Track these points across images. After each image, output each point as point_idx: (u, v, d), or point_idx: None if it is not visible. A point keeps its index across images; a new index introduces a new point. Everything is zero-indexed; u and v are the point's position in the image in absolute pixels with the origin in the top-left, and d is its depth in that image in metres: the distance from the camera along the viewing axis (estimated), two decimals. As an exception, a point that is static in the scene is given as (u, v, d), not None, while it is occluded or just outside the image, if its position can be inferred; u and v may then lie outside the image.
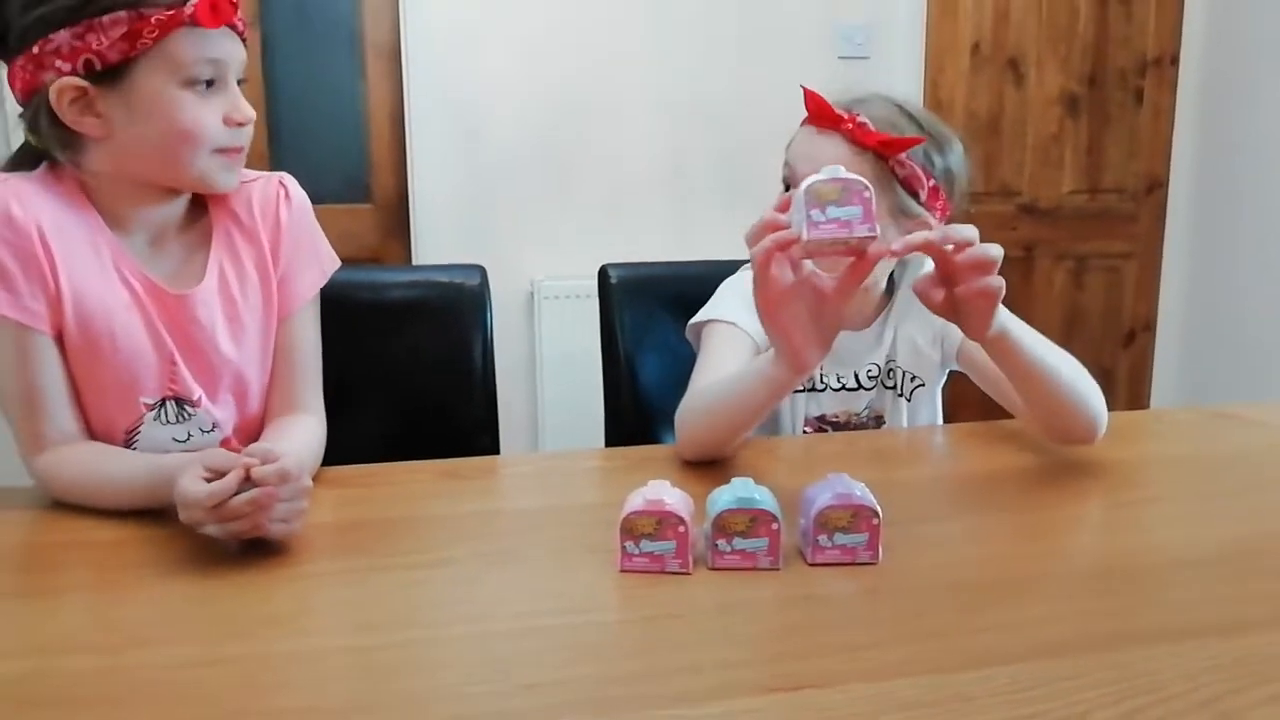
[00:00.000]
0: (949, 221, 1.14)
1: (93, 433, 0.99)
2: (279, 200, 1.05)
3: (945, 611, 0.74)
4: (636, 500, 0.79)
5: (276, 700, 0.62)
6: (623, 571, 0.78)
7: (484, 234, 2.65)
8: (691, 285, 1.28)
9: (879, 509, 0.80)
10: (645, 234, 2.73)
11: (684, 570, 0.78)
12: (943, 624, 0.72)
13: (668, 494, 0.79)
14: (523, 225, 2.70)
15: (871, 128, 1.08)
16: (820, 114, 1.09)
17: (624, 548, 0.78)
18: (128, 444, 1.00)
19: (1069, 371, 1.02)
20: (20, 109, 0.93)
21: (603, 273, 1.48)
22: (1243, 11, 2.93)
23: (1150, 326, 3.22)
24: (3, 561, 0.83)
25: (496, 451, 1.36)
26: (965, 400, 1.34)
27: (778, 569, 0.79)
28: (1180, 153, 3.11)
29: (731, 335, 1.18)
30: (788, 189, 1.13)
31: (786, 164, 1.15)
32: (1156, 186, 3.14)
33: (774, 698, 0.61)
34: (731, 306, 1.20)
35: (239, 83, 0.96)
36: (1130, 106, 3.07)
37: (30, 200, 0.92)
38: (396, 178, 2.69)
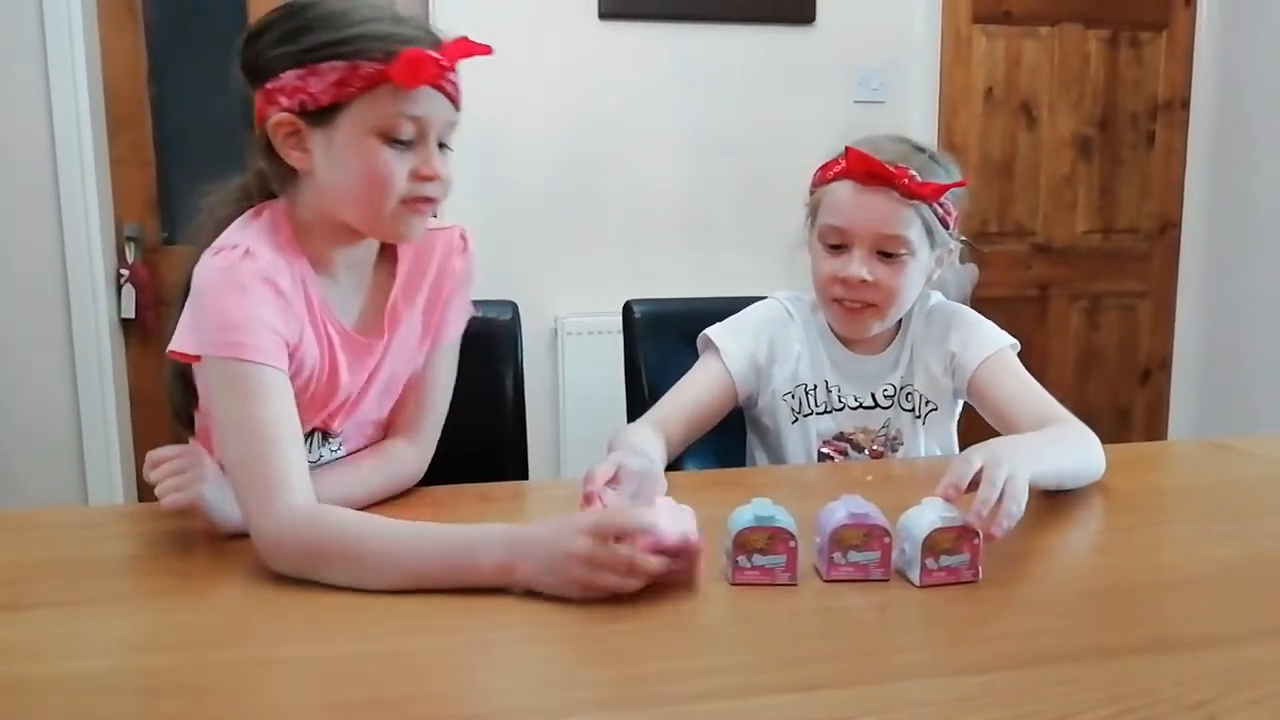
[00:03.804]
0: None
1: None
2: (457, 252, 1.14)
3: (952, 623, 0.79)
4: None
5: (322, 696, 0.68)
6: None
7: (508, 272, 2.72)
8: (711, 320, 1.34)
9: (890, 528, 0.85)
10: (666, 271, 2.80)
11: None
12: (949, 634, 0.78)
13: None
14: (546, 264, 2.77)
15: (919, 178, 1.16)
16: (873, 173, 1.16)
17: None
18: None
19: (1083, 467, 1.08)
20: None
21: (627, 308, 1.54)
22: (1252, 57, 2.99)
23: (1165, 364, 3.25)
24: (65, 573, 0.89)
25: (525, 476, 1.41)
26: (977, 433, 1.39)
27: (795, 584, 0.84)
28: (1192, 194, 3.16)
29: (712, 364, 1.28)
30: (837, 246, 1.21)
31: (824, 222, 1.22)
32: (1169, 226, 3.19)
33: (790, 697, 0.66)
34: (730, 333, 1.30)
35: (442, 146, 1.00)
36: (1142, 149, 3.13)
37: (275, 263, 0.97)
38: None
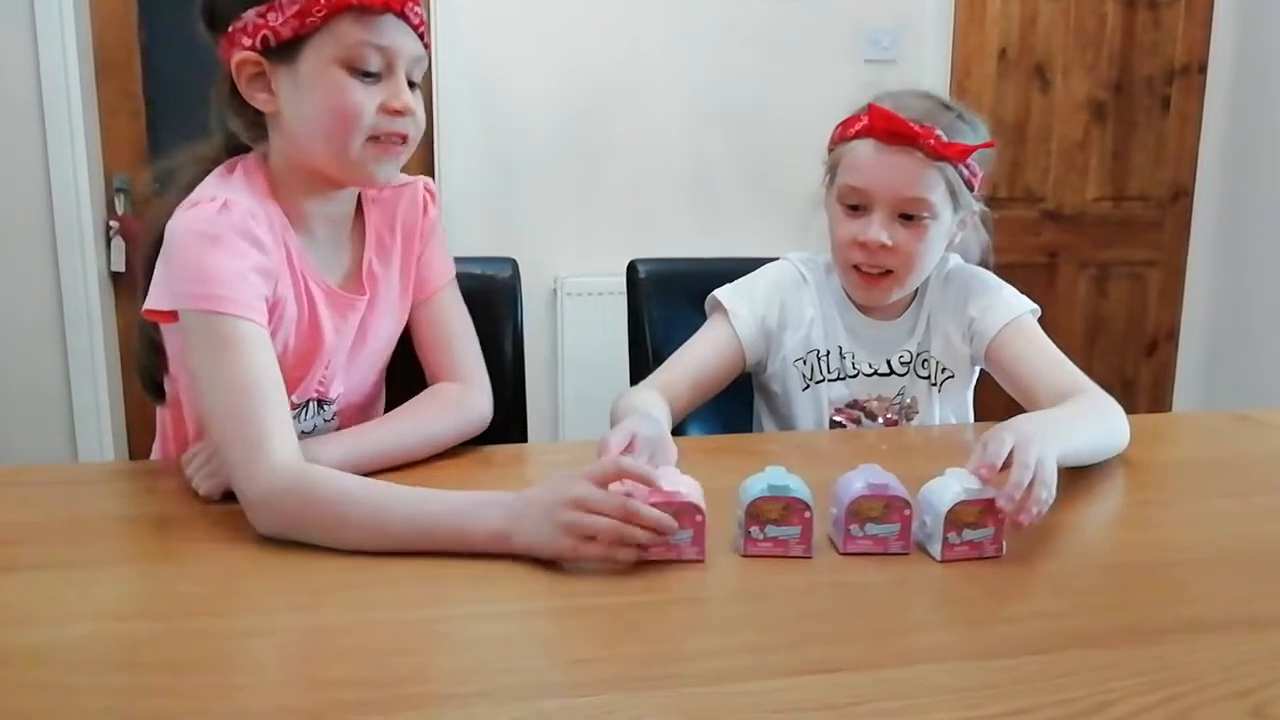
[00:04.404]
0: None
1: None
2: (425, 205, 1.12)
3: (974, 601, 0.75)
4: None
5: (317, 670, 0.64)
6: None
7: (507, 230, 2.67)
8: (719, 281, 1.30)
9: (911, 499, 0.81)
10: (669, 231, 2.74)
11: (699, 558, 0.79)
12: (972, 613, 0.74)
13: (683, 483, 0.81)
14: (546, 222, 2.71)
15: (945, 138, 1.10)
16: (896, 132, 1.11)
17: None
18: None
19: (1109, 442, 1.04)
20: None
21: (631, 268, 1.49)
22: (1273, 21, 2.91)
23: (1173, 335, 3.21)
24: (49, 535, 0.85)
25: (524, 439, 1.37)
26: (991, 405, 1.35)
27: (809, 557, 0.80)
28: (1206, 161, 3.10)
29: (719, 327, 1.24)
30: (855, 207, 1.15)
31: (843, 182, 1.16)
32: (1182, 195, 3.13)
33: (806, 679, 0.63)
34: (739, 295, 1.25)
35: (412, 85, 0.97)
36: (1157, 114, 3.06)
37: (254, 212, 0.95)
38: (422, 173, 2.71)
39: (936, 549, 0.81)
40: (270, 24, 0.91)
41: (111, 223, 2.50)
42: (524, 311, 1.42)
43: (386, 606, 0.72)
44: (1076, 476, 0.99)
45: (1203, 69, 3.05)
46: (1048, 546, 0.84)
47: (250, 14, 0.92)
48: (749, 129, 2.77)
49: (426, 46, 0.98)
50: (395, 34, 0.94)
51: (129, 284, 2.55)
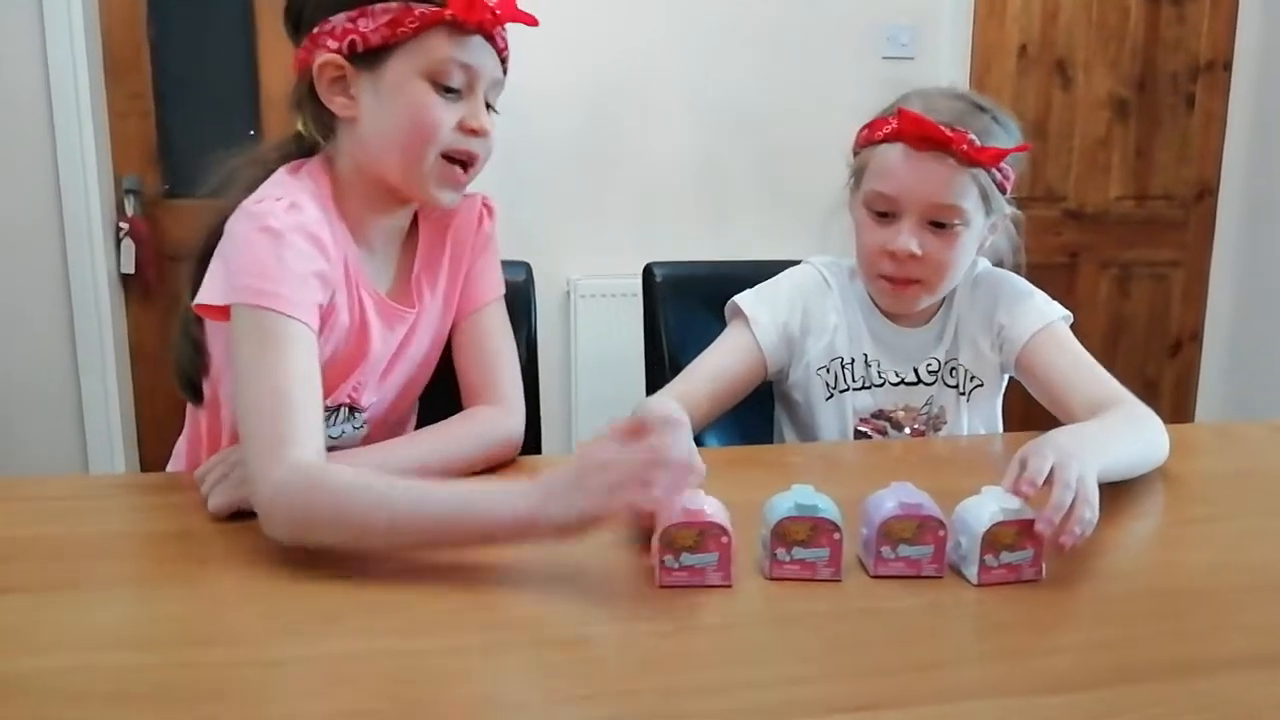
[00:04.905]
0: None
1: None
2: (481, 218, 1.10)
3: (1015, 630, 0.71)
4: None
5: (324, 703, 0.60)
6: (662, 587, 0.74)
7: (520, 233, 2.62)
8: (737, 285, 1.26)
9: (945, 520, 0.77)
10: (682, 234, 2.70)
11: (726, 583, 0.75)
12: (1013, 643, 0.70)
13: (707, 504, 0.77)
14: (558, 224, 2.67)
15: (978, 143, 1.05)
16: (928, 137, 1.06)
17: (663, 561, 0.75)
18: None
19: (1149, 456, 0.99)
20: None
21: (647, 271, 1.46)
22: (1301, 16, 2.85)
23: (1197, 337, 3.15)
24: (49, 552, 0.82)
25: (539, 451, 1.34)
26: (1016, 414, 1.31)
27: (839, 580, 0.76)
28: (1231, 160, 3.04)
29: (740, 334, 1.19)
30: (884, 214, 1.11)
31: (871, 188, 1.11)
32: (1206, 194, 3.07)
33: (840, 718, 0.59)
34: (761, 301, 1.21)
35: (489, 107, 0.99)
36: (1181, 111, 3.00)
37: (319, 218, 0.94)
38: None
39: (973, 572, 0.76)
40: (360, 29, 0.92)
41: (121, 224, 2.47)
42: (538, 315, 1.39)
43: (394, 634, 0.68)
44: (1113, 492, 0.94)
45: (1228, 65, 2.99)
46: (1088, 568, 0.80)
47: (340, 17, 0.93)
48: (762, 128, 2.73)
49: (505, 70, 1.00)
50: (481, 54, 0.95)
51: (139, 286, 2.53)
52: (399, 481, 0.79)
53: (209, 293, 0.90)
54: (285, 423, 0.82)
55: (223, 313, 0.90)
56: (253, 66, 2.46)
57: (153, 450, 2.52)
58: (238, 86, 2.49)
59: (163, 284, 2.53)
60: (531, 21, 0.97)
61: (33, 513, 0.91)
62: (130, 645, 0.68)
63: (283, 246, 0.89)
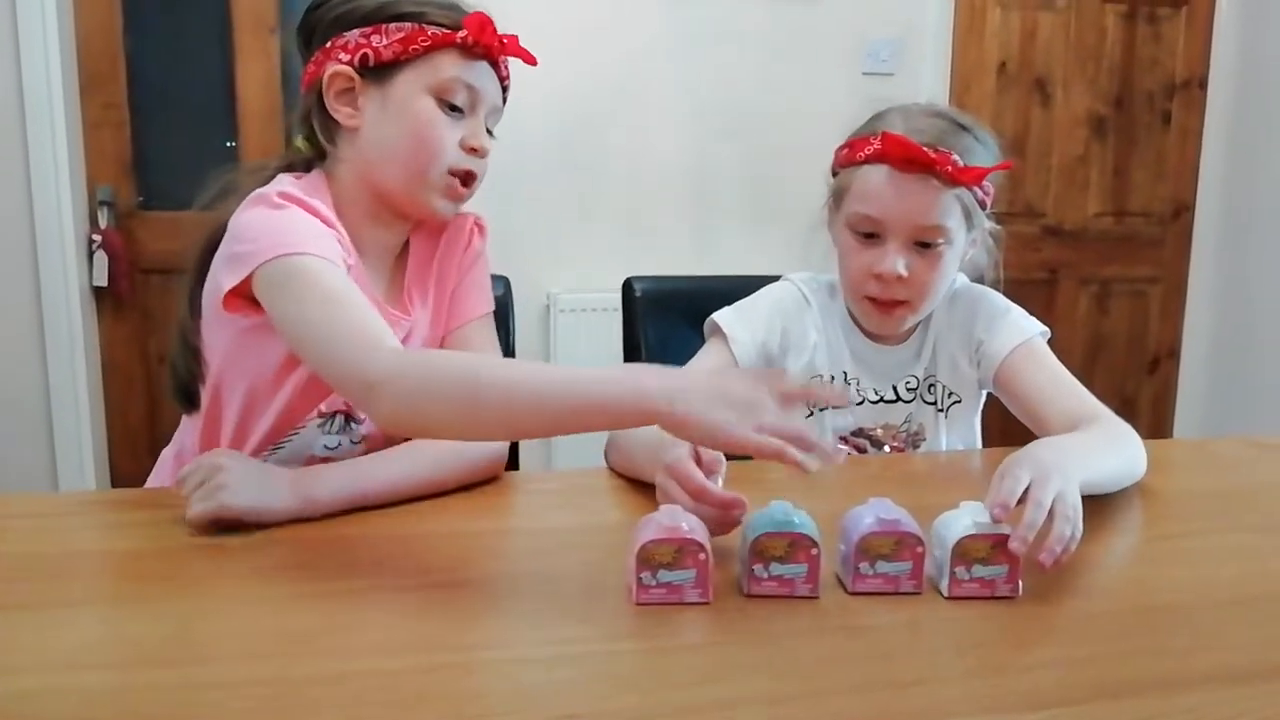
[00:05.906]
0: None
1: (250, 419, 0.99)
2: (470, 238, 1.12)
3: (993, 647, 0.70)
4: (650, 529, 0.75)
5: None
6: (639, 604, 0.73)
7: (499, 246, 2.61)
8: (717, 300, 1.25)
9: (923, 536, 0.77)
10: (664, 248, 2.70)
11: (704, 600, 0.74)
12: (992, 660, 0.69)
13: (684, 520, 0.76)
14: (538, 238, 2.67)
15: (961, 163, 1.05)
16: (912, 160, 1.06)
17: (639, 579, 0.73)
18: (278, 444, 1.00)
19: (1127, 471, 0.99)
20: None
21: (627, 286, 1.45)
22: (1275, 36, 2.89)
23: (1175, 353, 3.17)
24: (11, 571, 0.80)
25: (515, 467, 1.32)
26: (995, 430, 1.31)
27: (816, 597, 0.76)
28: (1208, 177, 3.07)
29: (718, 351, 1.18)
30: (869, 235, 1.11)
31: (855, 210, 1.11)
32: (1183, 211, 3.10)
33: (820, 737, 0.58)
34: (739, 318, 1.20)
35: (489, 131, 1.04)
36: (1158, 129, 3.04)
37: (327, 215, 0.97)
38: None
39: (944, 585, 0.76)
40: (372, 44, 0.97)
41: (94, 236, 2.44)
42: (516, 329, 1.38)
43: (367, 655, 0.67)
44: (1090, 508, 0.93)
45: (1203, 84, 3.03)
46: (1066, 585, 0.79)
47: (354, 33, 0.97)
48: (746, 143, 2.74)
49: (505, 99, 1.05)
50: (485, 79, 1.01)
51: (111, 299, 2.50)
52: (518, 364, 0.85)
53: (228, 277, 0.90)
54: (362, 323, 0.84)
55: (235, 302, 0.90)
56: (229, 78, 2.44)
57: (124, 466, 2.47)
58: (214, 98, 2.47)
59: (135, 297, 2.51)
60: (530, 60, 1.02)
61: (-4, 531, 0.89)
62: (96, 666, 0.66)
63: (298, 214, 0.92)
